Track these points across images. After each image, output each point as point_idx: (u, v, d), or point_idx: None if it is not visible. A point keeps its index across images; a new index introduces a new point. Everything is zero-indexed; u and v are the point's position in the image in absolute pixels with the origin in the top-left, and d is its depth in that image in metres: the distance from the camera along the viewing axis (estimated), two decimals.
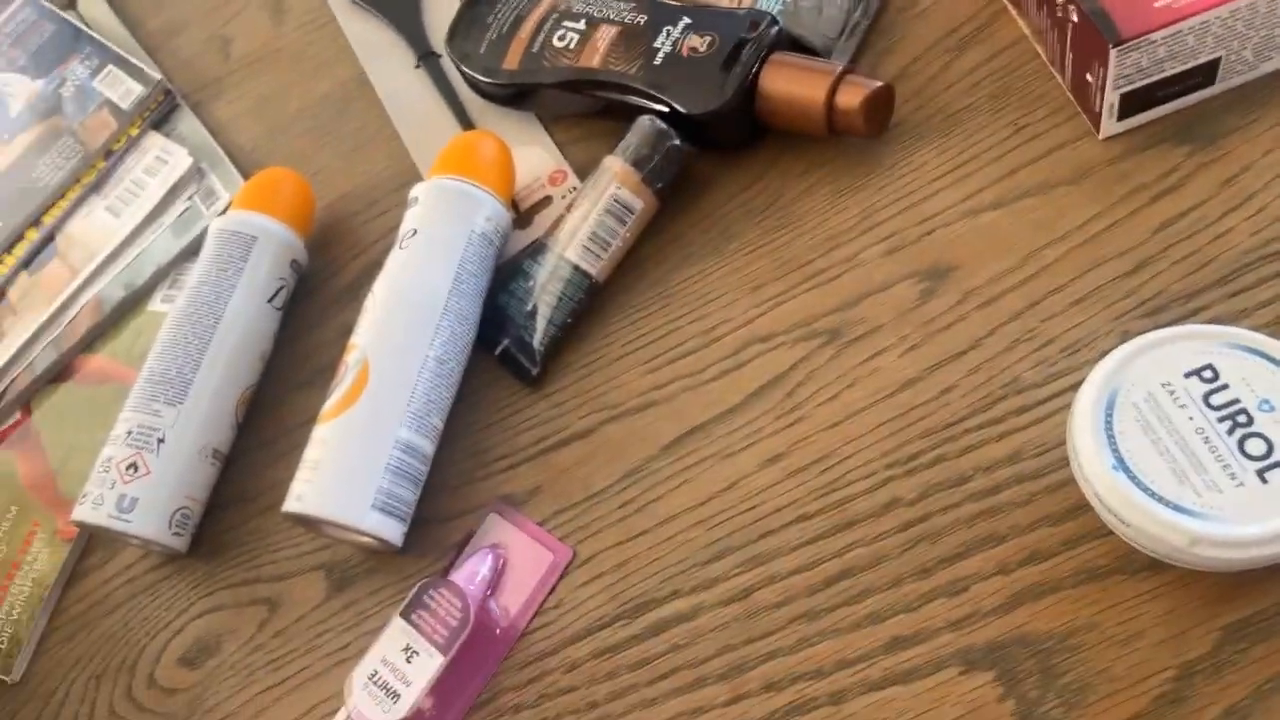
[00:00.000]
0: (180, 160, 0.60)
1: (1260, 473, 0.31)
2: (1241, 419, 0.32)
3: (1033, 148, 0.43)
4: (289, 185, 0.52)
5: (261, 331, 0.49)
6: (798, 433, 0.41)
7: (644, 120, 0.46)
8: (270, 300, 0.50)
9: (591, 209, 0.46)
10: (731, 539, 0.40)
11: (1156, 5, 0.37)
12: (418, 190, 0.48)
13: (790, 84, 0.44)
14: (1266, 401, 0.32)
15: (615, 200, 0.45)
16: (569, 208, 0.47)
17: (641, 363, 0.45)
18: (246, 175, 0.58)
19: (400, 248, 0.46)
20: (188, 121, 0.62)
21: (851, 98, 0.43)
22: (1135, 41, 0.37)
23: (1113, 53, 0.37)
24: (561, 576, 0.41)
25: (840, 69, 0.44)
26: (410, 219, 0.47)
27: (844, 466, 0.39)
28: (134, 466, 0.45)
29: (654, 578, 0.40)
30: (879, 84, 0.43)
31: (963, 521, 0.37)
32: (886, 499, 0.38)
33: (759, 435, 0.41)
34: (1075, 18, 0.39)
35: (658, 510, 0.41)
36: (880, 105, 0.44)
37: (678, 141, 0.46)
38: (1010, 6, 0.46)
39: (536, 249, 0.47)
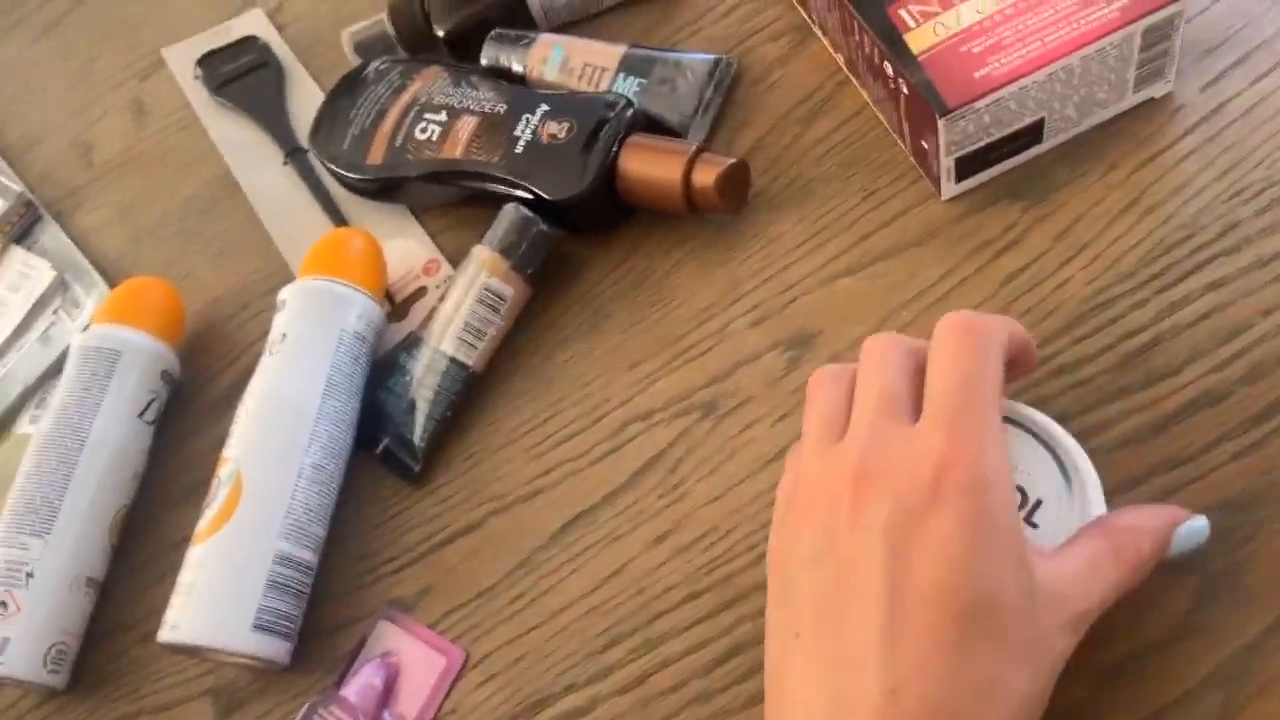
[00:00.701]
0: (43, 274, 0.58)
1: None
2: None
3: (882, 212, 0.44)
4: (155, 293, 0.51)
5: (133, 449, 0.48)
6: (682, 510, 0.41)
7: (509, 208, 0.46)
8: (141, 415, 0.48)
9: (464, 299, 0.46)
10: (624, 624, 0.39)
11: (977, 75, 0.39)
12: (285, 293, 0.47)
13: (647, 166, 0.45)
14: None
15: (486, 289, 0.45)
16: (441, 298, 0.47)
17: (525, 450, 0.44)
18: (112, 284, 0.57)
19: (270, 354, 0.45)
20: (50, 233, 0.61)
21: (706, 175, 0.44)
22: (960, 111, 0.39)
23: (941, 123, 0.39)
24: (456, 680, 0.40)
25: (695, 148, 0.45)
26: (279, 323, 0.46)
27: (728, 541, 0.40)
28: (3, 605, 0.43)
29: (549, 672, 0.39)
30: (732, 161, 0.44)
31: None
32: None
33: (644, 515, 0.41)
34: (905, 90, 0.41)
35: (549, 602, 0.41)
36: (735, 180, 0.45)
37: (543, 227, 0.46)
38: (852, 78, 0.47)
39: (412, 342, 0.47)
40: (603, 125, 0.46)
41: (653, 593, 0.40)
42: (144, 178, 0.61)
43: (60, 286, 0.58)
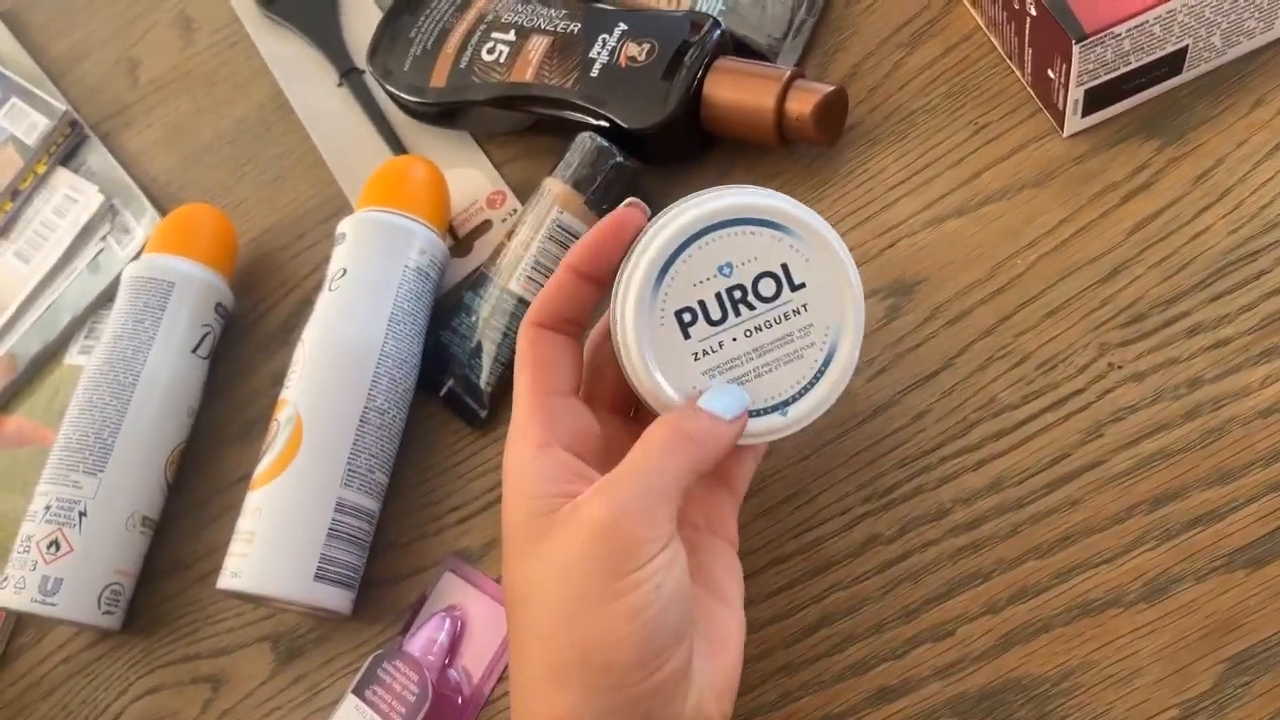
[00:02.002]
0: (91, 198, 0.56)
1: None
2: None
3: (994, 148, 0.40)
4: (208, 222, 0.49)
5: (187, 384, 0.46)
6: (767, 468, 0.38)
7: (584, 137, 0.43)
8: (195, 349, 0.46)
9: (534, 236, 0.43)
10: None
11: None
12: (345, 225, 0.44)
13: (737, 91, 0.42)
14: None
15: (558, 225, 0.42)
16: (509, 234, 0.44)
17: None
18: (162, 209, 0.54)
19: (329, 289, 0.43)
20: (97, 154, 0.58)
21: (803, 104, 0.40)
22: (1099, 36, 0.35)
23: (1076, 49, 0.35)
24: None
25: (789, 73, 0.41)
26: (338, 257, 0.44)
27: (817, 504, 0.37)
28: (55, 544, 0.42)
29: None
30: (831, 87, 0.41)
31: (946, 557, 0.35)
32: (864, 536, 0.36)
33: None
34: (1034, 11, 0.37)
35: None
36: (834, 110, 0.41)
37: (620, 159, 0.43)
38: None
39: (478, 280, 0.44)
40: (686, 48, 0.43)
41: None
42: (193, 97, 0.58)
43: (108, 211, 0.55)
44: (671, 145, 0.44)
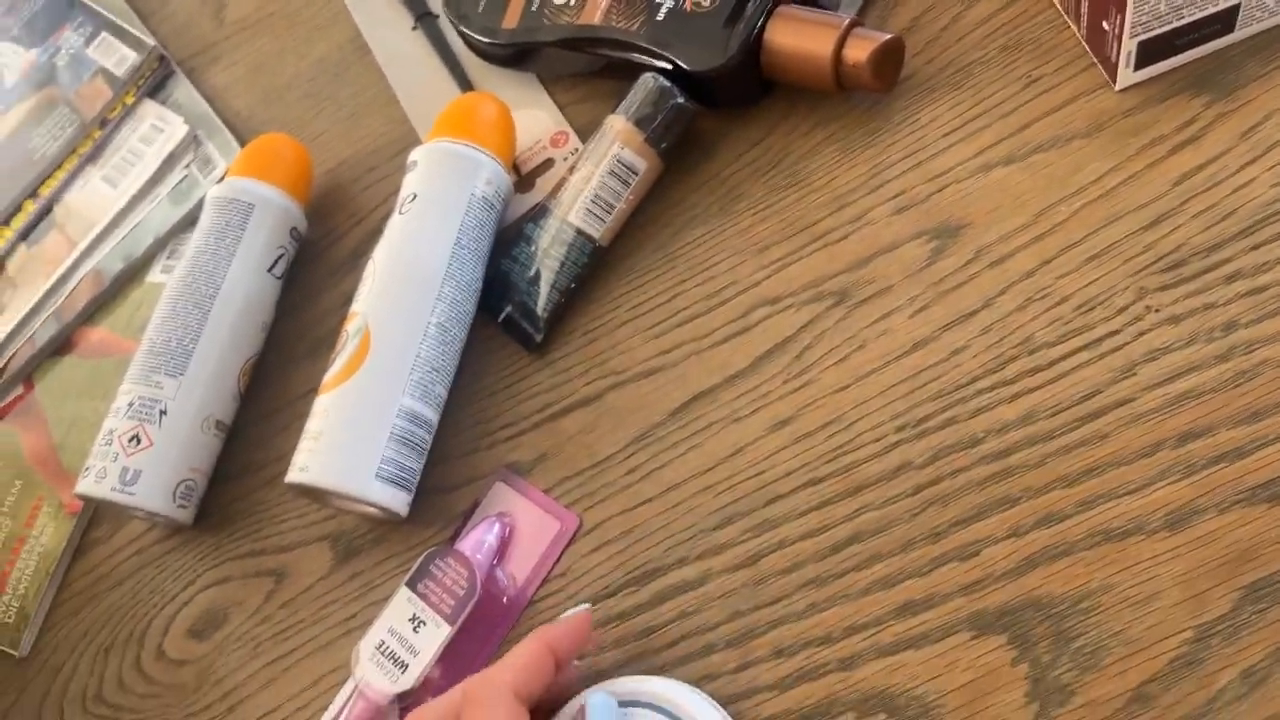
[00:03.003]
0: (176, 128, 0.59)
1: None
2: None
3: (1046, 100, 0.41)
4: (286, 151, 0.51)
5: (262, 301, 0.49)
6: (806, 396, 0.40)
7: (647, 78, 0.45)
8: (270, 269, 0.49)
9: (594, 170, 0.45)
10: (739, 504, 0.39)
11: None
12: (416, 154, 0.47)
13: (796, 38, 0.43)
14: None
15: (618, 161, 0.44)
16: (571, 170, 0.46)
17: (647, 328, 0.44)
18: (243, 142, 0.57)
19: (400, 213, 0.45)
20: (183, 89, 0.61)
21: (860, 51, 0.42)
22: None
23: None
24: (569, 544, 0.41)
25: (848, 21, 0.43)
26: (409, 183, 0.46)
27: (853, 430, 0.39)
28: (136, 439, 0.45)
29: (661, 544, 0.39)
30: (888, 36, 0.42)
31: (974, 484, 0.36)
32: (897, 462, 0.37)
33: (767, 400, 0.40)
34: None
35: (664, 476, 0.41)
36: (890, 59, 0.43)
37: (681, 100, 0.44)
38: None
39: (539, 213, 0.46)
40: None
41: (770, 476, 0.39)
42: (275, 38, 0.61)
43: (192, 142, 0.58)
44: (732, 89, 0.45)
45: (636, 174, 0.45)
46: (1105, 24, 0.39)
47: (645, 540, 0.40)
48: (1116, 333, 0.37)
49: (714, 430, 0.41)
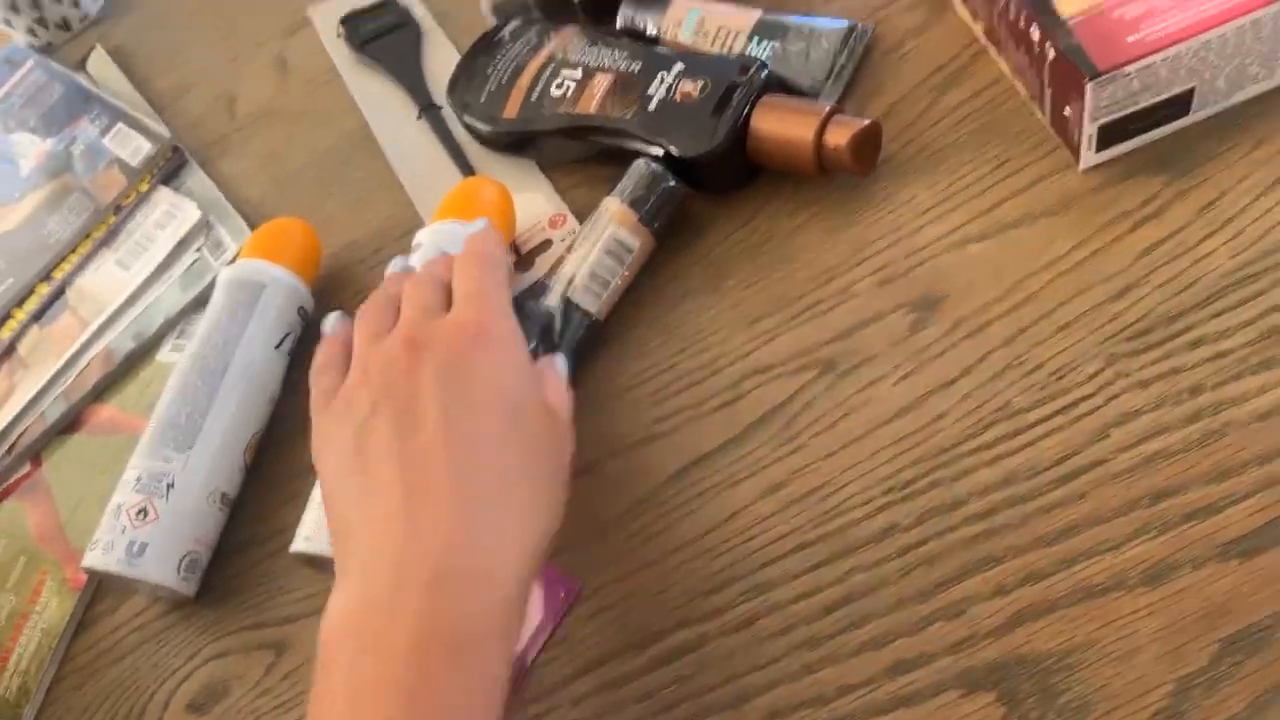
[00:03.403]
0: (189, 213, 0.61)
1: None
2: None
3: (1016, 180, 0.44)
4: (296, 233, 0.54)
5: (270, 376, 0.50)
6: (797, 462, 0.41)
7: (640, 163, 0.48)
8: (278, 346, 0.51)
9: (591, 249, 0.47)
10: (734, 568, 0.40)
11: (1129, 40, 0.39)
12: (421, 235, 0.49)
13: (780, 124, 0.46)
14: None
15: (614, 240, 0.47)
16: (569, 249, 0.48)
17: (643, 397, 0.45)
18: (254, 227, 0.60)
19: None
20: (196, 177, 0.64)
21: (839, 136, 0.44)
22: (1110, 75, 0.39)
23: (1089, 86, 0.39)
24: (569, 610, 0.41)
25: (828, 109, 0.45)
26: (415, 262, 0.48)
27: (842, 494, 0.40)
28: (143, 512, 0.46)
29: (660, 609, 0.40)
30: (866, 121, 0.45)
31: (960, 544, 0.37)
32: (885, 524, 0.39)
33: (759, 465, 0.42)
34: (1052, 54, 0.41)
35: (662, 542, 0.42)
36: (868, 142, 0.45)
37: (672, 182, 0.47)
38: (990, 47, 0.47)
39: (538, 289, 0.48)
40: (736, 86, 0.47)
41: (764, 540, 0.40)
42: (286, 129, 0.64)
43: (204, 226, 0.61)
44: (720, 173, 0.48)
45: (631, 252, 0.47)
46: (1067, 110, 0.41)
47: (645, 605, 0.41)
48: (1089, 397, 0.38)
49: (709, 496, 0.42)
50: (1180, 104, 0.41)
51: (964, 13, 0.49)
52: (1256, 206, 0.40)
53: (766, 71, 0.48)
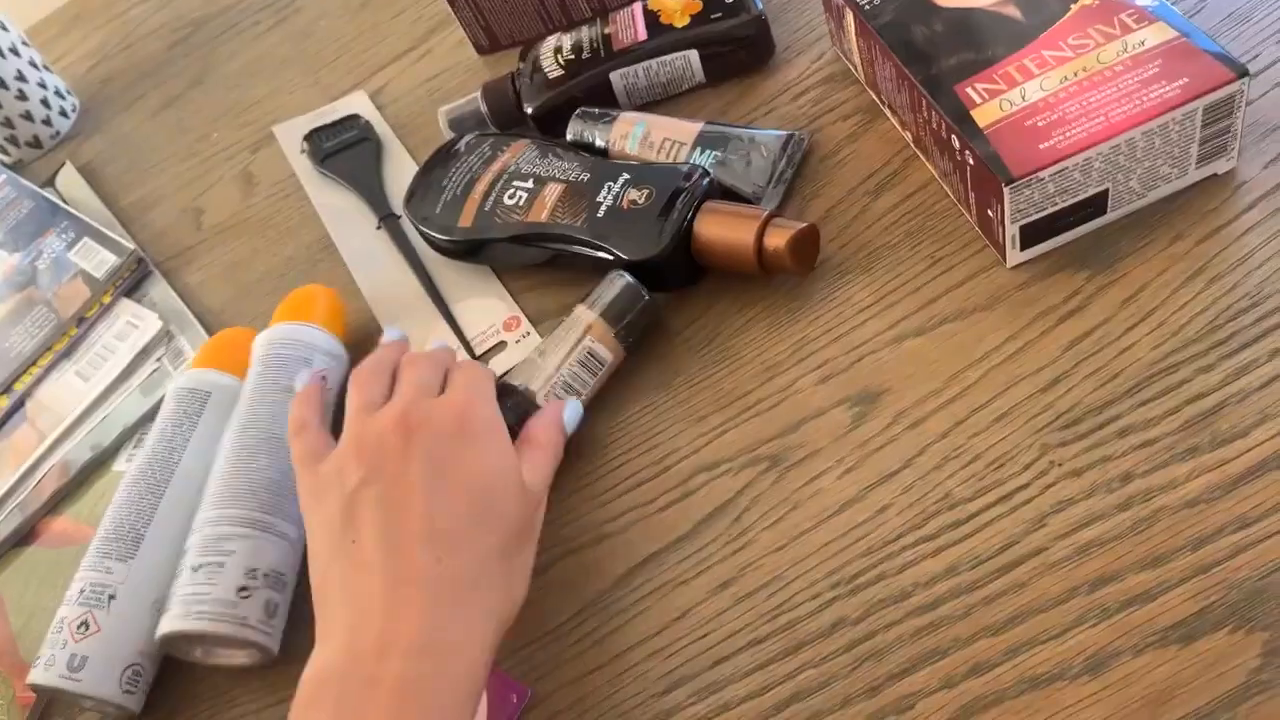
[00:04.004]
0: (150, 324, 0.62)
1: None
2: None
3: (949, 278, 0.46)
4: (246, 341, 0.55)
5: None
6: (745, 558, 0.42)
7: (614, 276, 0.48)
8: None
9: (564, 360, 0.47)
10: (685, 668, 0.40)
11: (1042, 147, 0.41)
12: (260, 341, 0.53)
13: (722, 228, 0.48)
14: None
15: (589, 353, 0.47)
16: (540, 353, 0.48)
17: (593, 497, 0.46)
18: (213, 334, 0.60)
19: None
20: (159, 288, 0.65)
21: (779, 239, 0.46)
22: (1025, 179, 0.41)
23: (1006, 191, 0.41)
24: (520, 717, 0.41)
25: (767, 213, 0.47)
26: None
27: (791, 589, 0.40)
28: (84, 625, 0.45)
29: (610, 713, 0.40)
30: (803, 224, 0.47)
31: (907, 637, 0.38)
32: (833, 619, 0.39)
33: (709, 562, 0.42)
34: (972, 161, 0.43)
35: (613, 644, 0.42)
36: (806, 244, 0.47)
37: (648, 297, 0.48)
38: (919, 154, 0.50)
39: (503, 390, 0.49)
40: (680, 192, 0.49)
41: (714, 638, 0.40)
42: (249, 240, 0.65)
43: (165, 337, 0.62)
44: (667, 276, 0.49)
45: (604, 365, 0.48)
46: (990, 212, 0.43)
47: (594, 709, 0.40)
48: (1025, 487, 0.39)
49: (660, 595, 0.42)
50: (1097, 204, 0.43)
51: (894, 121, 0.51)
52: (1175, 299, 0.42)
53: (709, 179, 0.50)
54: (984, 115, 0.43)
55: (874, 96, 0.53)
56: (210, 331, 0.61)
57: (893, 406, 0.43)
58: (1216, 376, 0.39)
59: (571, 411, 0.46)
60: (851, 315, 0.46)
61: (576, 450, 0.47)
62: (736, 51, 0.57)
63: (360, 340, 0.56)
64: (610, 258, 0.49)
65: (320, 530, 0.40)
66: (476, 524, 0.39)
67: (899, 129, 0.51)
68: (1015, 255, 0.44)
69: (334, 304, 0.55)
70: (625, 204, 0.50)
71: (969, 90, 0.44)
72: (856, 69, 0.54)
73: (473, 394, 0.42)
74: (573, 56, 0.58)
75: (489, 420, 0.42)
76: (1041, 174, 0.41)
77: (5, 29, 0.75)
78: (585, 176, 0.52)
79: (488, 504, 0.39)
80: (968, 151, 0.43)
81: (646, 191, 0.50)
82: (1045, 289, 0.44)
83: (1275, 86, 0.46)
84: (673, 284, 0.50)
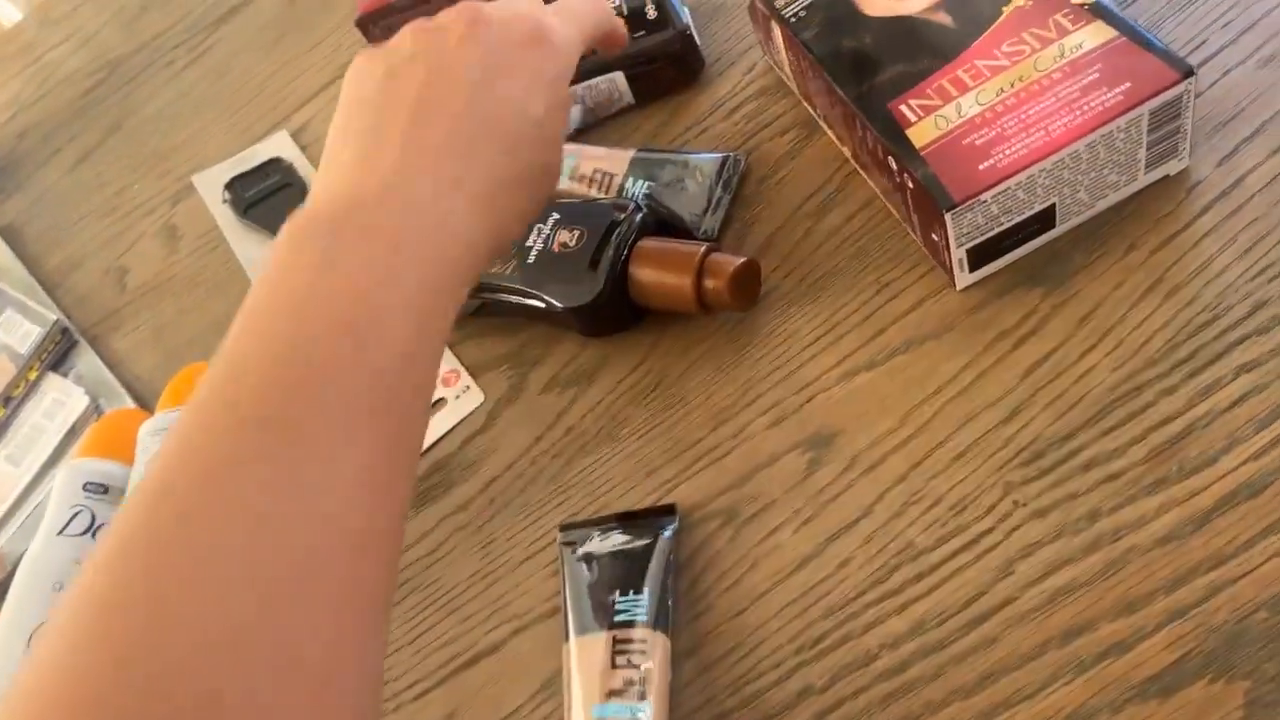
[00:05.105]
0: (78, 401, 0.59)
1: None
2: None
3: (897, 304, 0.43)
4: (113, 421, 0.53)
5: (54, 564, 0.49)
6: (705, 624, 0.40)
7: None
8: (61, 531, 0.49)
9: None
10: None
11: (981, 167, 0.39)
12: (145, 430, 0.49)
13: (658, 270, 0.45)
14: None
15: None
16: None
17: (544, 565, 0.44)
18: (145, 406, 0.58)
19: None
20: (86, 358, 0.62)
21: (717, 277, 0.44)
22: (967, 204, 0.38)
23: (948, 217, 0.39)
24: None
25: (704, 249, 0.45)
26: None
27: (754, 657, 0.38)
28: None
29: None
30: (742, 260, 0.44)
31: (875, 704, 0.36)
32: (798, 687, 0.37)
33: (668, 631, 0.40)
34: (911, 185, 0.40)
35: None
36: (747, 279, 0.45)
37: None
38: (859, 169, 0.47)
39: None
40: (612, 231, 0.47)
41: (679, 713, 0.38)
42: (176, 300, 0.62)
43: (94, 412, 0.59)
44: (604, 320, 0.47)
45: None
46: (934, 235, 0.41)
47: None
48: (990, 531, 0.37)
49: None
50: (1044, 219, 0.41)
51: (832, 136, 0.49)
52: (1133, 315, 0.39)
53: (643, 213, 0.47)
54: (920, 135, 0.40)
55: (809, 109, 0.50)
56: (141, 401, 0.58)
57: (847, 449, 0.41)
58: (1181, 399, 0.37)
59: None
60: (799, 351, 0.44)
61: (527, 515, 0.45)
62: (664, 69, 0.54)
63: None
64: (543, 305, 0.47)
65: (354, 87, 0.36)
66: (505, 152, 0.34)
67: (838, 144, 0.48)
68: (965, 277, 0.42)
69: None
70: (556, 246, 0.47)
71: (903, 108, 0.41)
72: (789, 79, 0.51)
73: (561, 9, 0.38)
74: None
75: (563, 42, 0.37)
76: (983, 196, 0.38)
77: None
78: None
79: (523, 135, 0.35)
80: (906, 174, 0.40)
81: (578, 233, 0.47)
82: (998, 311, 0.42)
83: (1225, 74, 0.43)
84: (611, 328, 0.48)
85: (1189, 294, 0.39)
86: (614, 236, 0.46)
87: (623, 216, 0.47)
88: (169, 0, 0.81)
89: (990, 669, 0.35)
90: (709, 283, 0.44)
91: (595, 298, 0.46)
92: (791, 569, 0.39)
